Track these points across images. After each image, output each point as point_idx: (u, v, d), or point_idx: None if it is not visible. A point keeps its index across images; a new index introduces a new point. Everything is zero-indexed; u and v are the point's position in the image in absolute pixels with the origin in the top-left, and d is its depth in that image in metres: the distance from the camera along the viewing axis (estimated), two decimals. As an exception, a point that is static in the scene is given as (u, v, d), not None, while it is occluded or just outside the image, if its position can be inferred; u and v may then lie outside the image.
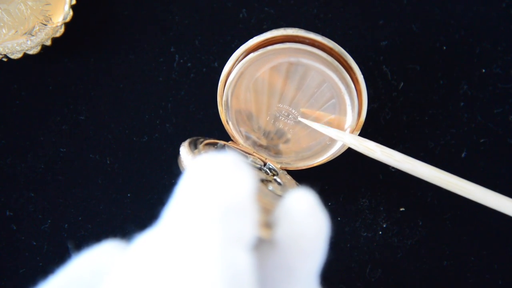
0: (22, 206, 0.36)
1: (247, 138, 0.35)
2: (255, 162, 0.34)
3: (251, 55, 0.31)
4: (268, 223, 0.24)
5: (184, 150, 0.31)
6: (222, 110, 0.34)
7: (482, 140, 0.38)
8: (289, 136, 0.34)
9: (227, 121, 0.34)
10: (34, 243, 0.36)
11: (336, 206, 0.36)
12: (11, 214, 0.36)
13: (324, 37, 0.30)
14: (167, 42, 0.39)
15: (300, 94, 0.32)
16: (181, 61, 0.39)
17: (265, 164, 0.35)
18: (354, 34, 0.39)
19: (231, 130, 0.35)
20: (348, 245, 0.36)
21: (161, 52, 0.39)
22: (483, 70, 0.39)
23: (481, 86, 0.38)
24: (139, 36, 0.39)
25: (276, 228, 0.23)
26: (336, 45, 0.30)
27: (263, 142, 0.35)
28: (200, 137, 0.34)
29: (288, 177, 0.35)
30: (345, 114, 0.32)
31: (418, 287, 0.36)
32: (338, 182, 0.36)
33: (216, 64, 0.38)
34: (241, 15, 0.39)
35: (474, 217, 0.37)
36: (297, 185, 0.35)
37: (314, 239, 0.22)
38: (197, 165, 0.21)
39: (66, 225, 0.36)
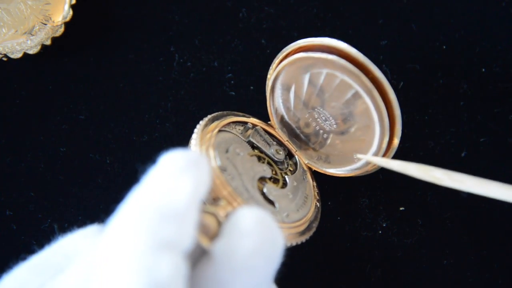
0: (22, 205, 0.36)
1: (285, 124, 0.34)
2: (277, 152, 0.34)
3: (300, 54, 0.30)
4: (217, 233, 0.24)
5: (199, 127, 0.31)
6: (269, 89, 0.33)
7: (482, 140, 0.38)
8: (324, 137, 0.34)
9: (270, 102, 0.34)
10: (34, 243, 0.36)
11: (336, 205, 0.36)
12: (11, 213, 0.36)
13: (369, 60, 0.28)
14: (167, 41, 0.39)
15: (336, 106, 0.32)
16: (181, 60, 0.39)
17: (291, 157, 0.35)
18: (354, 33, 0.39)
19: (271, 112, 0.34)
20: (348, 244, 0.36)
21: (161, 51, 0.39)
22: (483, 70, 0.39)
23: (481, 86, 0.38)
24: (139, 36, 0.39)
25: (217, 240, 0.23)
26: (378, 70, 0.28)
27: (305, 131, 0.34)
28: (232, 113, 0.34)
29: (308, 177, 0.34)
30: (372, 141, 0.31)
31: (418, 286, 0.36)
32: (338, 182, 0.36)
33: (216, 64, 0.38)
34: (241, 15, 0.39)
35: (474, 216, 0.37)
36: (314, 189, 0.34)
37: (249, 257, 0.22)
38: (156, 165, 0.21)
39: (66, 224, 0.36)
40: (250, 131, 0.33)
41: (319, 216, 0.33)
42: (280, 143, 0.35)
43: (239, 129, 0.33)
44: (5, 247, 0.36)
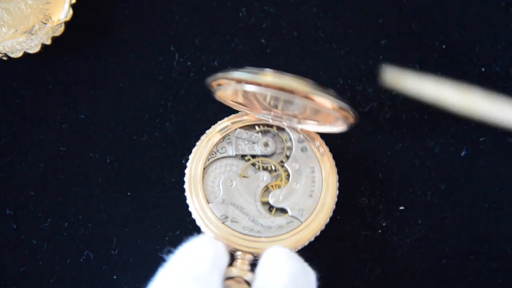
0: (22, 204, 0.36)
1: (261, 112, 0.35)
2: (266, 145, 0.34)
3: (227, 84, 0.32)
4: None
5: (186, 179, 0.33)
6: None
7: (481, 139, 0.38)
8: (297, 112, 0.34)
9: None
10: (34, 242, 0.36)
11: (336, 205, 0.36)
12: (11, 212, 0.36)
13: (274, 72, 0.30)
14: (167, 41, 0.39)
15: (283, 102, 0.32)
16: (181, 60, 0.39)
17: (282, 131, 0.35)
18: (354, 33, 0.39)
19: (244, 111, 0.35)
20: (348, 243, 0.36)
21: (161, 51, 0.39)
22: (483, 69, 0.39)
23: (481, 86, 0.38)
24: (139, 35, 0.39)
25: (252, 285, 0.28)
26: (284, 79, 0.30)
27: (282, 112, 0.34)
28: (209, 135, 0.34)
29: (310, 144, 0.34)
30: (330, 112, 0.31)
31: (418, 285, 0.36)
32: (338, 181, 0.36)
33: (216, 63, 0.39)
34: (240, 14, 0.39)
35: (473, 216, 0.37)
36: (319, 149, 0.34)
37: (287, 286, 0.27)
38: (181, 247, 0.29)
39: (66, 223, 0.36)
40: (233, 141, 0.34)
41: (334, 176, 0.34)
42: (267, 126, 0.35)
43: (223, 149, 0.34)
44: (5, 246, 0.36)
